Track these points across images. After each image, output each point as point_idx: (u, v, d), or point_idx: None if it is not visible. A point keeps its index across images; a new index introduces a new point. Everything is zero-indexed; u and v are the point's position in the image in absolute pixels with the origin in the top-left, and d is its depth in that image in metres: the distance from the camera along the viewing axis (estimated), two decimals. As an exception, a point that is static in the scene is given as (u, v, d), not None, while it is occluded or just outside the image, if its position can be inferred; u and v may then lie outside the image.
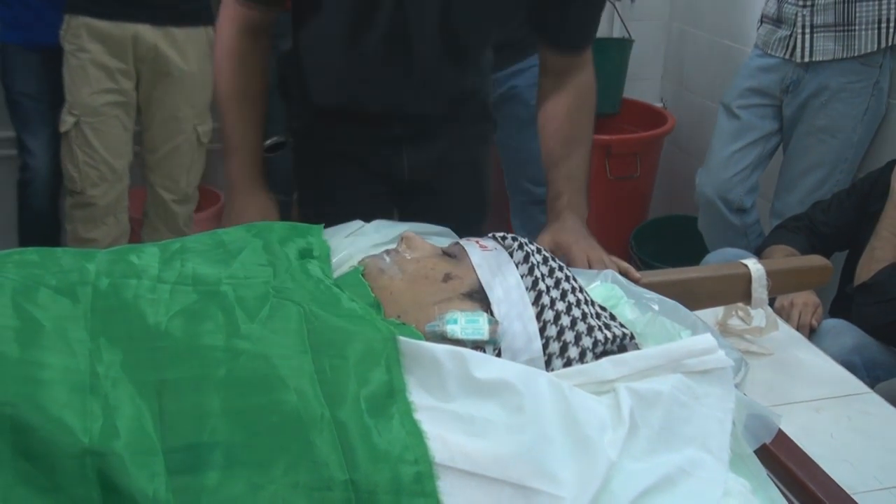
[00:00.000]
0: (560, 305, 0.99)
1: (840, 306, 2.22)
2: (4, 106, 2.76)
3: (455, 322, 0.93)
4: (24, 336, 0.81)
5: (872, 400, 1.42)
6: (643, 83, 3.65)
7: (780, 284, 1.49)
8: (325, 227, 1.16)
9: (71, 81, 2.49)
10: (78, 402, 0.76)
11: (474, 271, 1.00)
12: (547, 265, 1.03)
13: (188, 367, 0.81)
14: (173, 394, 0.79)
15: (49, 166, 2.74)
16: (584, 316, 1.00)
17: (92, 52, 2.44)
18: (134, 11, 2.45)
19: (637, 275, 1.36)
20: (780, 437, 1.09)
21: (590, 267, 1.37)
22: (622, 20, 3.47)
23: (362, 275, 1.00)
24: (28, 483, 0.73)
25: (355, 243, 1.16)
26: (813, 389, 1.44)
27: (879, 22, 2.42)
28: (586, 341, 0.98)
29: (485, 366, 0.86)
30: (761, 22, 2.66)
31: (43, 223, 2.83)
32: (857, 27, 2.44)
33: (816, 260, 1.57)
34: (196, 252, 0.99)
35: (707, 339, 0.95)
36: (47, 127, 2.70)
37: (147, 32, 2.48)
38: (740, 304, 1.52)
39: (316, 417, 0.79)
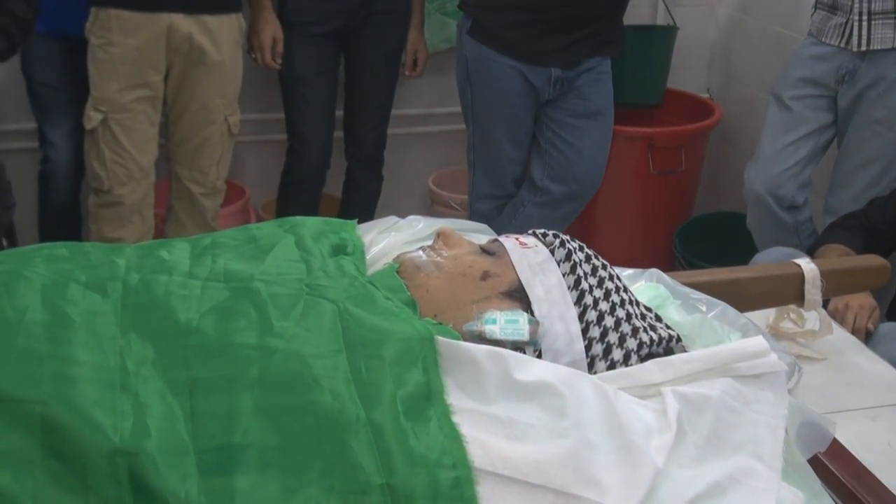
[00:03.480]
0: (603, 305, 0.99)
1: (898, 309, 2.20)
2: (26, 97, 2.80)
3: (494, 322, 0.94)
4: (54, 332, 0.83)
5: (933, 408, 1.41)
6: (688, 72, 3.63)
7: (834, 285, 1.49)
8: None
9: (98, 76, 2.50)
10: (108, 400, 0.78)
11: (514, 269, 1.01)
12: (590, 263, 1.03)
13: (220, 365, 0.83)
14: (205, 393, 0.81)
15: (70, 159, 2.78)
16: (629, 317, 1.00)
17: (122, 47, 2.45)
18: (168, 1, 2.46)
19: None
20: (835, 445, 1.08)
21: None
22: (666, 6, 3.46)
23: (398, 272, 1.01)
24: (59, 483, 0.74)
25: (390, 239, 1.17)
26: (869, 396, 1.43)
27: (941, 8, 2.39)
28: (631, 343, 0.98)
29: (525, 367, 0.87)
30: (815, 8, 2.64)
31: (64, 217, 2.87)
32: (918, 14, 2.41)
33: (873, 260, 1.56)
34: (227, 248, 1.01)
35: (759, 342, 0.95)
36: (68, 119, 2.73)
37: (181, 22, 2.49)
38: (792, 306, 1.51)
39: (351, 419, 0.80)
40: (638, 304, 1.05)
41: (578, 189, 2.73)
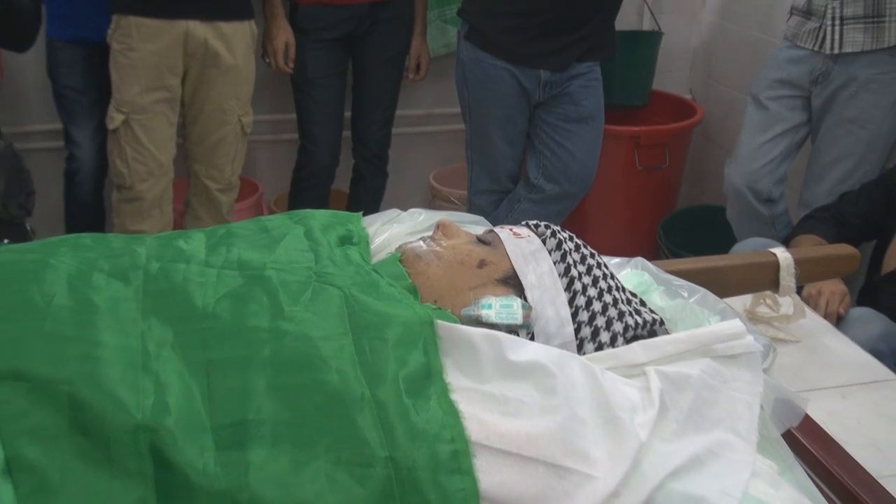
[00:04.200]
0: (592, 291, 1.00)
1: (867, 295, 2.20)
2: (52, 99, 2.80)
3: (490, 307, 0.94)
4: (80, 316, 0.83)
5: (899, 387, 1.41)
6: (672, 75, 3.63)
7: (807, 273, 1.49)
8: None
9: (119, 80, 2.50)
10: (131, 380, 0.78)
11: (508, 258, 1.01)
12: (579, 252, 1.04)
13: (235, 346, 0.83)
14: (221, 372, 0.81)
15: (94, 157, 2.78)
16: (615, 302, 1.00)
17: (142, 52, 2.45)
18: (184, 8, 2.46)
19: None
20: (807, 421, 1.09)
21: None
22: (652, 13, 3.45)
23: (400, 261, 1.01)
24: (85, 457, 0.75)
25: (392, 230, 1.17)
26: (840, 376, 1.43)
27: (910, 13, 2.39)
28: (617, 326, 0.98)
29: (519, 349, 0.87)
30: (791, 14, 2.63)
31: (88, 211, 2.88)
32: (887, 19, 2.40)
33: (844, 248, 1.57)
34: (241, 238, 1.01)
35: (736, 325, 0.95)
36: (92, 119, 2.74)
37: (197, 28, 2.49)
38: (768, 292, 1.51)
39: (357, 397, 0.80)
40: (624, 289, 1.05)
41: (571, 189, 2.74)
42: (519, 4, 2.49)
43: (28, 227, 2.30)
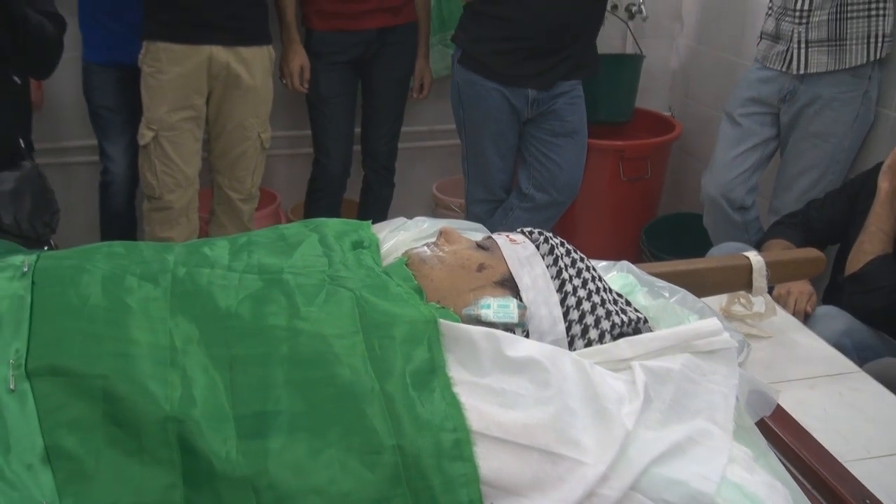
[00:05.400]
0: (581, 292, 0.99)
1: (832, 294, 2.19)
2: (88, 118, 2.80)
3: (488, 307, 0.94)
4: (114, 316, 0.83)
5: (861, 378, 1.40)
6: (653, 94, 3.62)
7: (778, 274, 1.48)
8: None
9: (149, 100, 2.50)
10: (160, 374, 0.78)
11: (505, 262, 1.00)
12: (570, 257, 1.03)
13: (255, 344, 0.83)
14: (242, 367, 0.81)
15: (126, 170, 2.78)
16: (603, 302, 1.00)
17: (170, 74, 2.46)
18: (208, 34, 2.46)
19: None
20: (779, 411, 1.08)
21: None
22: (634, 38, 3.45)
23: (406, 264, 1.01)
24: (118, 446, 0.75)
25: (399, 237, 1.16)
26: (808, 368, 1.43)
27: (868, 37, 2.39)
28: (605, 324, 0.98)
29: (515, 345, 0.87)
30: (761, 38, 2.63)
31: (121, 220, 2.87)
32: (848, 42, 2.40)
33: (811, 252, 1.56)
34: (261, 245, 1.00)
35: (713, 323, 0.95)
36: (125, 136, 2.73)
37: (220, 53, 2.49)
38: (742, 292, 1.51)
39: (367, 390, 0.80)
40: (611, 290, 1.05)
41: (559, 197, 2.74)
42: (506, 31, 2.48)
43: (52, 244, 2.28)
